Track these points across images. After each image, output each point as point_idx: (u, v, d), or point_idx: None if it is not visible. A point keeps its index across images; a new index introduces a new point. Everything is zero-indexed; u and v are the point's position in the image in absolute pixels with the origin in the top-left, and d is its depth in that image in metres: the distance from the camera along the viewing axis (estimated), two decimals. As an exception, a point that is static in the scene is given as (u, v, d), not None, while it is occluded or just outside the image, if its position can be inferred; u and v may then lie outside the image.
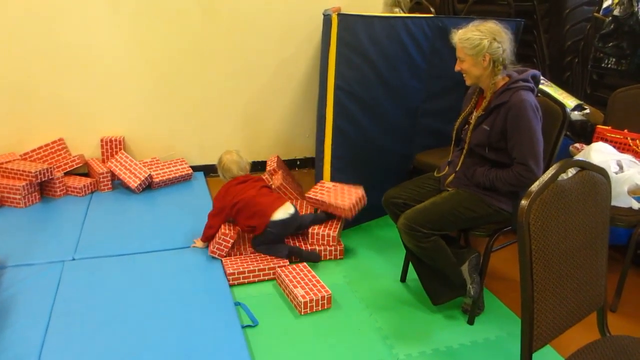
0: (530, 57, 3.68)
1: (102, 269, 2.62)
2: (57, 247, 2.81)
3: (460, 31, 2.21)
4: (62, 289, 2.44)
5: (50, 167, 3.37)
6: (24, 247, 2.79)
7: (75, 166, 3.62)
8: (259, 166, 4.04)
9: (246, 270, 2.59)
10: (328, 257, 2.87)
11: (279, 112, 4.04)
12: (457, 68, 2.26)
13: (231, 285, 2.56)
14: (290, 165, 4.12)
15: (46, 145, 3.58)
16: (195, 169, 3.91)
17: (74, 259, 2.70)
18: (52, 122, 3.61)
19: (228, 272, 2.58)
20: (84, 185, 3.48)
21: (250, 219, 2.73)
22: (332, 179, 3.05)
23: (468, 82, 2.28)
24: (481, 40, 2.14)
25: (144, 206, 3.36)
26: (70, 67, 3.50)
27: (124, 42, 3.54)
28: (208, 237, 2.78)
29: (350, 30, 2.81)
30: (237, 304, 2.43)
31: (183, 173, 3.72)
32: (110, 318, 2.25)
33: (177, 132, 3.87)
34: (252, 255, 2.75)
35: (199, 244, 2.83)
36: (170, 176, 3.65)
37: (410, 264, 2.52)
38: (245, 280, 2.60)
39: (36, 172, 3.27)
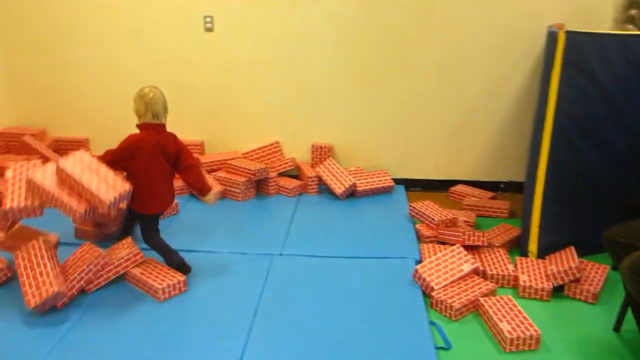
0: None
1: (304, 268, 2.78)
2: (267, 241, 3.06)
3: None
4: (270, 280, 2.65)
5: (267, 167, 3.70)
6: (238, 237, 3.11)
7: (287, 168, 3.94)
8: (447, 185, 3.96)
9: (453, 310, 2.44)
10: (532, 295, 2.64)
11: (485, 131, 3.89)
12: None
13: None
14: (492, 187, 3.93)
15: (264, 146, 3.95)
16: (396, 181, 3.92)
17: (281, 254, 2.92)
18: (271, 126, 4.00)
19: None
20: (294, 187, 3.75)
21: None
22: (543, 207, 2.85)
23: None
24: None
25: (347, 213, 3.49)
26: (288, 78, 3.87)
27: (335, 56, 3.79)
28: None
29: (577, 49, 2.62)
30: (431, 323, 2.39)
31: (385, 185, 3.78)
32: (307, 316, 2.38)
33: (381, 143, 3.97)
34: (455, 286, 2.60)
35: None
36: (373, 186, 3.74)
37: (630, 312, 2.25)
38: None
39: (255, 170, 3.61)
